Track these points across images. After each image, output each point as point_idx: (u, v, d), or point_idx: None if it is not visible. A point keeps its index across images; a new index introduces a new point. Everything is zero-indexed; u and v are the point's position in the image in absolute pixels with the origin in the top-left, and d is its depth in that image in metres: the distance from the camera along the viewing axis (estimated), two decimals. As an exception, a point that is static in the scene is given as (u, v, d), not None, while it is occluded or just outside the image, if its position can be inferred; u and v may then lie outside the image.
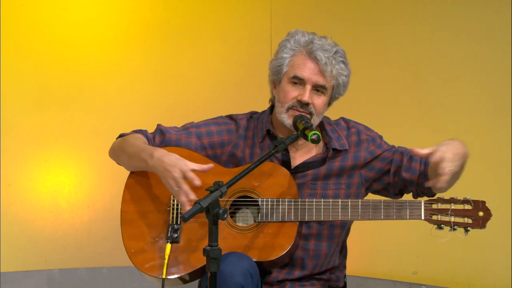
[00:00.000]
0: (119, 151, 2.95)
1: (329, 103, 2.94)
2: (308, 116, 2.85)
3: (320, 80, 2.84)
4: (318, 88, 2.85)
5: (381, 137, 3.03)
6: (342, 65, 2.87)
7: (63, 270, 4.54)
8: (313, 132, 2.72)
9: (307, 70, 2.84)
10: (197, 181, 2.68)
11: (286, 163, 2.91)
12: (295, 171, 2.90)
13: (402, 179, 2.91)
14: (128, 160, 2.90)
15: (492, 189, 4.05)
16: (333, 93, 2.90)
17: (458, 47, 4.20)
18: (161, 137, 2.96)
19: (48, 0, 4.57)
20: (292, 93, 2.86)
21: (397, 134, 4.24)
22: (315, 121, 2.87)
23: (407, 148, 2.97)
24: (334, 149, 2.93)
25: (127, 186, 2.93)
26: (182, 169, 2.71)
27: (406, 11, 4.40)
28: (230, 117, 3.03)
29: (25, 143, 4.50)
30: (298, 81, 2.85)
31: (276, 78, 2.93)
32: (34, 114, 4.53)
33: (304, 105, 2.84)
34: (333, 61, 2.83)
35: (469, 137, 4.13)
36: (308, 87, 2.84)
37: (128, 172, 2.96)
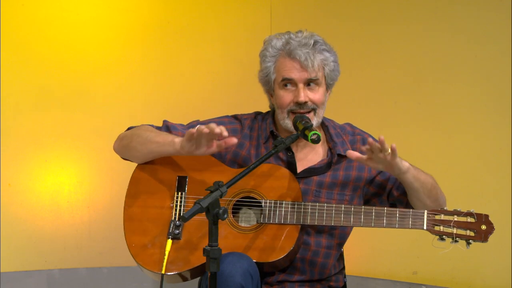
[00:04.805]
0: (132, 137, 2.91)
1: (327, 90, 2.94)
2: (312, 113, 2.85)
3: (307, 75, 2.84)
4: (310, 83, 2.86)
5: None
6: (326, 53, 2.87)
7: (63, 270, 4.54)
8: (313, 132, 2.72)
9: (293, 70, 2.85)
10: (219, 130, 2.64)
11: (291, 165, 2.92)
12: (300, 176, 2.90)
13: (393, 196, 2.92)
14: (143, 144, 2.86)
15: (492, 189, 4.05)
16: (327, 81, 2.90)
17: (458, 47, 4.20)
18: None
19: (48, 0, 4.57)
20: (287, 97, 2.87)
21: (397, 134, 4.27)
22: (320, 114, 2.87)
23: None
24: (338, 155, 2.93)
25: (132, 180, 2.93)
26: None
27: (406, 11, 4.40)
28: (235, 117, 3.04)
29: (25, 143, 4.50)
30: (288, 82, 2.86)
31: (268, 88, 2.94)
32: (34, 114, 4.52)
33: (303, 104, 2.85)
34: (313, 55, 2.82)
35: (469, 137, 4.15)
36: (300, 85, 2.85)
37: (129, 170, 2.96)
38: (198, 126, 2.66)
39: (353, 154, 2.71)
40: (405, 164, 2.73)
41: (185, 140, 2.70)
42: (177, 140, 2.76)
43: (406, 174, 2.75)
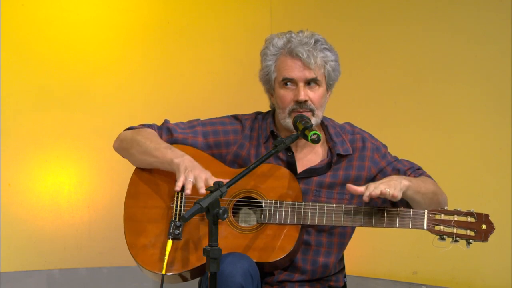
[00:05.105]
0: (132, 143, 2.93)
1: (327, 90, 2.94)
2: (310, 113, 2.86)
3: (308, 74, 2.84)
4: (310, 82, 2.86)
5: (385, 146, 3.03)
6: (327, 52, 2.87)
7: (63, 270, 4.54)
8: (313, 132, 2.72)
9: (294, 69, 2.85)
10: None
11: (291, 166, 2.91)
12: (300, 177, 2.90)
13: None
14: (142, 154, 2.89)
15: (492, 189, 4.05)
16: (327, 81, 2.90)
17: (458, 47, 4.20)
18: (168, 136, 2.97)
19: (48, 0, 4.57)
20: (288, 96, 2.87)
21: (397, 134, 4.27)
22: (318, 115, 2.87)
23: (408, 164, 2.98)
24: (338, 154, 2.93)
25: (132, 181, 2.93)
26: (208, 176, 2.72)
27: (406, 11, 4.40)
28: (236, 117, 3.04)
29: (25, 143, 4.50)
30: (289, 82, 2.86)
31: (269, 87, 2.94)
32: (34, 114, 4.52)
33: (303, 103, 2.85)
34: (315, 52, 2.83)
35: (469, 137, 4.15)
36: (301, 84, 2.85)
37: (129, 170, 2.96)
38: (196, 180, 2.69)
39: (351, 188, 2.72)
40: (404, 184, 2.74)
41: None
42: (176, 161, 2.78)
43: (406, 192, 2.77)
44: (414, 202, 2.83)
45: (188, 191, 2.69)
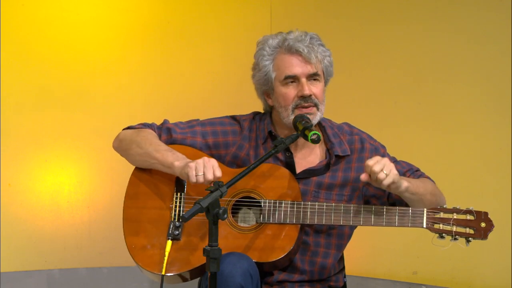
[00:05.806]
0: (131, 144, 2.93)
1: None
2: (315, 108, 2.86)
3: (310, 69, 2.85)
4: (312, 78, 2.86)
5: (384, 147, 3.03)
6: (322, 48, 2.90)
7: (63, 270, 4.54)
8: (313, 132, 2.72)
9: (295, 65, 2.85)
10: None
11: (290, 166, 2.91)
12: (299, 177, 2.90)
13: (392, 197, 2.92)
14: (142, 156, 2.89)
15: (492, 189, 4.05)
16: (325, 76, 2.92)
17: (458, 47, 4.20)
18: (167, 136, 2.97)
19: (48, 0, 4.57)
20: (291, 93, 2.87)
21: (397, 134, 4.27)
22: (322, 110, 2.88)
23: (406, 166, 2.98)
24: (336, 155, 2.93)
25: (131, 182, 2.93)
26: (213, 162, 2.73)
27: (406, 11, 4.40)
28: (234, 118, 3.04)
29: (25, 143, 4.50)
30: (291, 79, 2.86)
31: (267, 88, 2.93)
32: (34, 114, 4.52)
33: (307, 98, 2.85)
34: (314, 47, 2.85)
35: (469, 137, 4.15)
36: (303, 80, 2.85)
37: (129, 170, 2.96)
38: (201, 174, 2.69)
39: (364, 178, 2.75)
40: (403, 184, 2.75)
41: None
42: (177, 164, 2.78)
43: (405, 193, 2.78)
44: (413, 202, 2.83)
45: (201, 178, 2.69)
